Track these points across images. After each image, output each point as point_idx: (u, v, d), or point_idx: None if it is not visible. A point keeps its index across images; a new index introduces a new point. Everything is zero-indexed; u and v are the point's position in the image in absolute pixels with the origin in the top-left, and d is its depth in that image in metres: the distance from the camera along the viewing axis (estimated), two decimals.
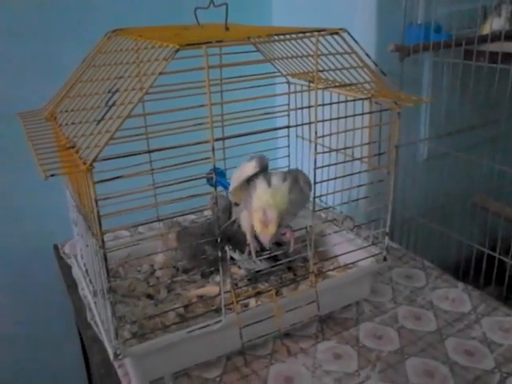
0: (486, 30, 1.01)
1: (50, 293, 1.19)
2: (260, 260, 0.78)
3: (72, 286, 0.94)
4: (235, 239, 0.81)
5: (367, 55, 0.68)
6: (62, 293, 1.09)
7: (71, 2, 1.04)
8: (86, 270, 0.78)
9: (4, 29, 1.00)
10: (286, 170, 0.82)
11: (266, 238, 0.69)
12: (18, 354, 1.22)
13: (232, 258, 0.78)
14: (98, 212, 0.55)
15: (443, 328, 0.78)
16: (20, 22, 1.01)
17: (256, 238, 0.76)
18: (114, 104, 0.55)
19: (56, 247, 1.10)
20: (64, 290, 1.00)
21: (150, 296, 0.79)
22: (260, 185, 0.71)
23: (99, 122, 0.55)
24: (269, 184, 0.71)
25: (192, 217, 1.09)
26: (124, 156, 0.56)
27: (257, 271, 0.80)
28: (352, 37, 0.66)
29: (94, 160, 0.51)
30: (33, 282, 1.18)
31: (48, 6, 1.02)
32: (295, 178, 0.74)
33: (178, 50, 0.54)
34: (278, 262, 0.77)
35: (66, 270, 1.01)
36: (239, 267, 0.81)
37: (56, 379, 1.29)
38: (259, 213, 0.69)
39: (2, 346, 1.20)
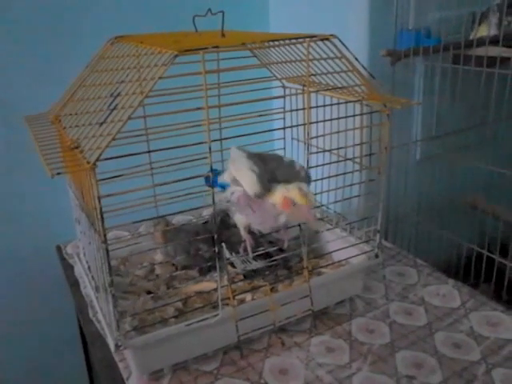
0: (482, 32, 1.04)
1: (51, 292, 1.22)
2: (255, 259, 0.81)
3: (74, 284, 0.97)
4: (230, 242, 0.84)
5: (356, 59, 0.71)
6: (64, 292, 1.12)
7: (73, 10, 1.07)
8: (89, 267, 0.81)
9: (6, 32, 1.03)
10: None
11: (306, 208, 0.71)
12: (19, 352, 1.25)
13: (227, 259, 0.81)
14: (101, 209, 0.58)
15: (433, 322, 0.81)
16: (22, 26, 1.03)
17: (251, 234, 0.79)
18: (115, 107, 0.58)
19: (59, 248, 1.13)
20: (65, 290, 1.03)
21: (149, 292, 0.82)
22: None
23: (101, 124, 0.58)
24: None
25: (190, 217, 1.12)
26: (125, 156, 0.59)
27: (252, 270, 0.82)
28: (342, 42, 0.69)
29: (98, 159, 0.54)
30: (35, 281, 1.21)
31: (51, 12, 1.05)
32: None
33: (176, 56, 0.57)
34: (271, 259, 0.80)
35: (68, 269, 1.04)
36: (233, 266, 0.84)
37: (57, 377, 1.31)
38: (295, 190, 0.71)
39: (4, 345, 1.22)
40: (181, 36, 0.78)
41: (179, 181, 0.65)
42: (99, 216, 0.59)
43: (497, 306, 0.85)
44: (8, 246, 1.16)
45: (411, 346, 0.76)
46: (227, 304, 0.72)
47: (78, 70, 0.79)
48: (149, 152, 0.69)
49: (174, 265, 0.87)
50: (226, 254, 0.76)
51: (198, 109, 0.62)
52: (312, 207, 0.71)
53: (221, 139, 0.78)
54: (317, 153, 0.78)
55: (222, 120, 0.86)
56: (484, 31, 1.03)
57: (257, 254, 0.80)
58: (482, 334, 0.78)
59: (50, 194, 1.12)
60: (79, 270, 0.95)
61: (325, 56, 0.69)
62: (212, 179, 0.69)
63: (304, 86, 0.86)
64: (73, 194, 0.80)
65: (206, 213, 1.12)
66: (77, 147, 0.59)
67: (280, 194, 0.72)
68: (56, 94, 0.80)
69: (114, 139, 0.55)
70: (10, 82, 1.06)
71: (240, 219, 0.80)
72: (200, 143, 0.63)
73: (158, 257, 0.90)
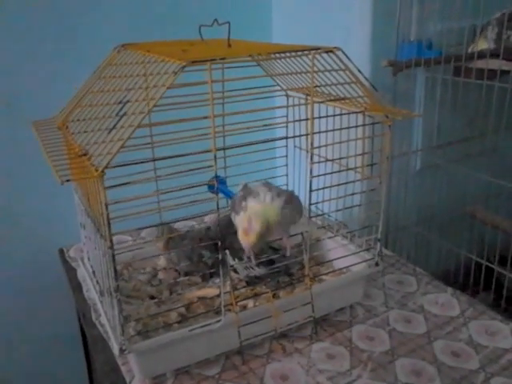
0: (481, 45, 1.06)
1: (52, 295, 1.22)
2: (258, 266, 0.82)
3: (77, 288, 0.98)
4: (233, 248, 0.85)
5: (359, 71, 0.73)
6: (65, 295, 1.12)
7: (82, 16, 1.08)
8: (93, 272, 0.82)
9: (14, 36, 1.04)
10: (283, 187, 0.87)
11: (245, 245, 0.75)
12: (19, 355, 1.25)
13: (231, 265, 0.82)
14: (108, 215, 0.59)
15: (432, 331, 0.82)
16: (31, 31, 1.05)
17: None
18: (125, 114, 0.59)
19: (61, 251, 1.14)
20: (66, 293, 1.04)
21: (152, 297, 0.83)
22: (252, 199, 0.76)
23: (111, 130, 0.59)
24: (261, 199, 0.76)
25: (192, 223, 1.13)
26: (133, 164, 0.60)
27: (254, 277, 0.83)
28: (345, 54, 0.70)
29: (106, 167, 0.55)
30: (36, 284, 1.21)
31: (60, 17, 1.07)
32: (289, 196, 0.78)
33: (184, 67, 0.58)
34: (273, 266, 0.81)
35: (71, 273, 1.04)
36: (236, 272, 0.85)
37: (57, 379, 1.32)
38: (245, 221, 0.75)
39: (4, 347, 1.23)
40: (187, 45, 0.79)
41: (183, 189, 0.66)
42: (106, 222, 0.60)
43: (496, 315, 0.86)
44: (9, 249, 1.16)
45: (410, 353, 0.77)
46: (229, 310, 0.73)
47: (84, 76, 0.80)
48: (154, 160, 0.70)
49: (176, 270, 0.88)
50: (230, 260, 0.77)
51: (204, 118, 0.63)
52: (248, 246, 0.74)
53: (224, 148, 0.79)
54: (319, 162, 0.79)
55: (227, 128, 0.87)
56: (483, 45, 1.04)
57: (259, 261, 0.81)
58: (481, 343, 0.79)
59: (51, 197, 1.13)
60: (82, 274, 0.96)
61: (328, 67, 0.71)
62: (216, 186, 0.70)
63: (307, 95, 0.87)
64: (78, 200, 0.81)
65: (208, 219, 1.13)
66: (85, 154, 0.60)
67: (243, 216, 0.76)
68: (62, 97, 0.81)
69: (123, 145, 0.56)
70: (17, 85, 1.07)
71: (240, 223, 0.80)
72: (205, 152, 0.64)
73: (161, 262, 0.91)
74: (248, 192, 0.78)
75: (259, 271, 0.82)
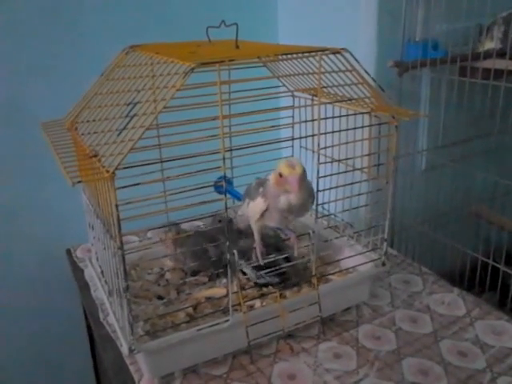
0: (487, 45, 1.06)
1: (59, 295, 1.23)
2: (266, 272, 0.82)
3: (84, 288, 0.99)
4: (241, 251, 0.85)
5: (367, 72, 0.73)
6: (72, 295, 1.13)
7: (88, 18, 1.09)
8: (102, 272, 0.82)
9: (21, 39, 1.05)
10: None
11: (294, 178, 0.71)
12: (25, 353, 1.26)
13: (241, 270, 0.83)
14: (118, 216, 0.60)
15: (438, 330, 0.82)
16: (38, 34, 1.05)
17: (263, 239, 0.81)
18: (135, 114, 0.60)
19: (69, 251, 1.14)
20: (73, 293, 1.05)
21: (160, 297, 0.83)
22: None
23: (121, 131, 0.60)
24: None
25: (198, 223, 1.13)
26: (143, 165, 0.61)
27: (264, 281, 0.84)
28: (353, 55, 0.71)
29: (117, 167, 0.56)
30: (43, 285, 1.22)
31: (67, 20, 1.07)
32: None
33: (193, 69, 0.59)
34: (281, 269, 0.81)
35: (78, 273, 1.05)
36: (243, 273, 0.85)
37: (64, 379, 1.33)
38: (283, 162, 0.73)
39: (13, 346, 1.23)
40: (194, 46, 0.79)
41: (192, 190, 0.67)
42: (116, 222, 0.60)
43: (502, 315, 0.86)
44: (16, 249, 1.17)
45: (417, 353, 0.77)
46: (237, 310, 0.74)
47: (90, 78, 0.80)
48: (161, 162, 0.71)
49: (183, 270, 0.89)
50: (237, 264, 0.77)
51: (214, 119, 0.64)
52: (297, 177, 0.71)
53: (231, 149, 0.80)
54: (326, 163, 0.79)
55: (233, 129, 0.88)
56: (489, 44, 1.04)
57: (267, 260, 0.81)
58: (488, 343, 0.79)
59: (58, 197, 1.14)
60: (89, 273, 0.97)
61: (335, 68, 0.71)
62: (225, 187, 0.71)
63: (314, 95, 0.88)
64: (87, 200, 0.82)
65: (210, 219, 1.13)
66: (95, 156, 0.61)
67: (273, 172, 0.74)
68: (70, 99, 0.82)
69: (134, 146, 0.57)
70: (25, 89, 1.08)
71: (251, 211, 0.80)
72: (214, 152, 0.65)
73: (168, 262, 0.91)
74: (263, 181, 0.79)
75: (270, 280, 0.81)
